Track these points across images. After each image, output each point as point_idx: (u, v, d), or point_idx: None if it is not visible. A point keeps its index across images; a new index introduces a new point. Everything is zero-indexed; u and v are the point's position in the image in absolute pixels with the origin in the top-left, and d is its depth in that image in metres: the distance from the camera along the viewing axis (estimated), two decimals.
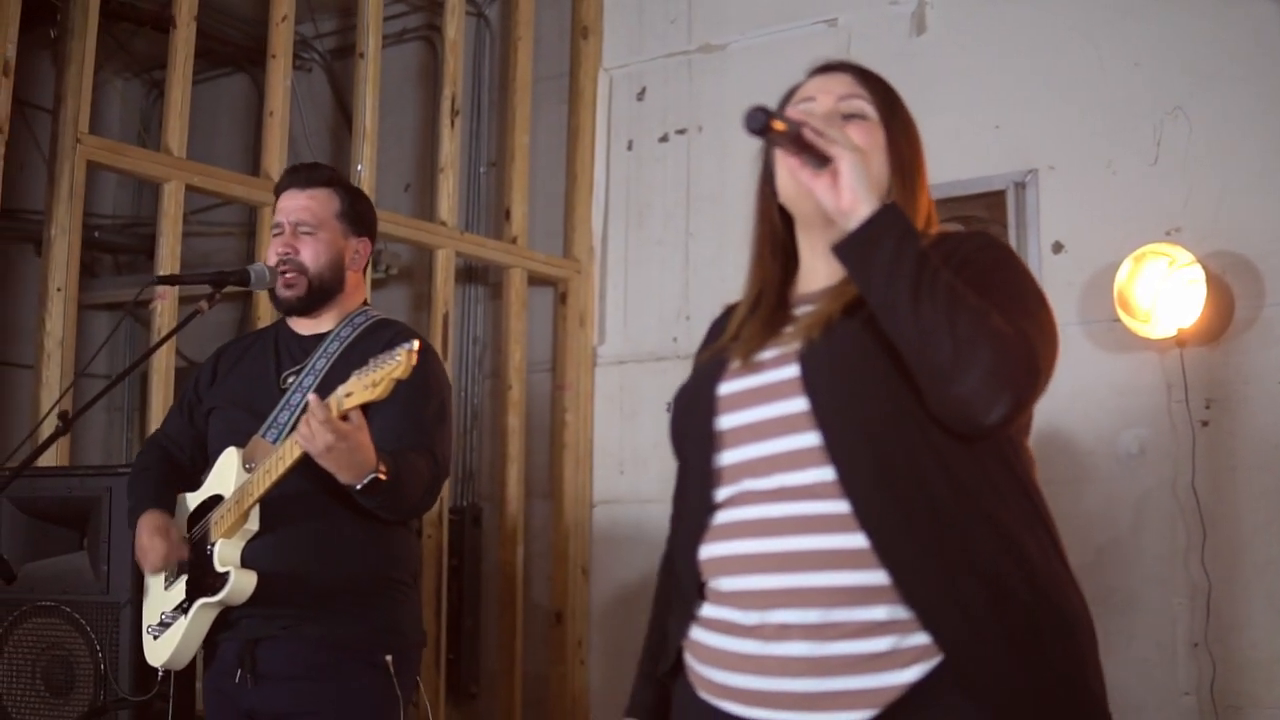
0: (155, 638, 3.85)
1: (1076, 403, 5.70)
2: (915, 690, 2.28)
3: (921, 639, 2.28)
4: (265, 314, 5.82)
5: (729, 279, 6.68)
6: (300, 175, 4.11)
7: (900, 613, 2.29)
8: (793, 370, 2.43)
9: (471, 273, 7.29)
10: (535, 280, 7.06)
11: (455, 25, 6.78)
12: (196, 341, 6.75)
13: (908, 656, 2.29)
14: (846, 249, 2.35)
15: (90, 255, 8.23)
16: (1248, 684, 5.29)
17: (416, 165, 7.67)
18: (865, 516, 2.31)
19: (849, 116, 2.60)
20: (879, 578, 2.29)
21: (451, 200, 6.65)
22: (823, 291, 2.53)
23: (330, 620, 3.74)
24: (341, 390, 3.33)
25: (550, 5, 7.30)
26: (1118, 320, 5.53)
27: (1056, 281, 5.80)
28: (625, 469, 6.90)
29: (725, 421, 2.50)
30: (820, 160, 2.36)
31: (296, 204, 4.03)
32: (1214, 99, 5.61)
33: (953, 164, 5.87)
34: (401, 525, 3.96)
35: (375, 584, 3.85)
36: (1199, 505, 5.39)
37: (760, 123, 2.31)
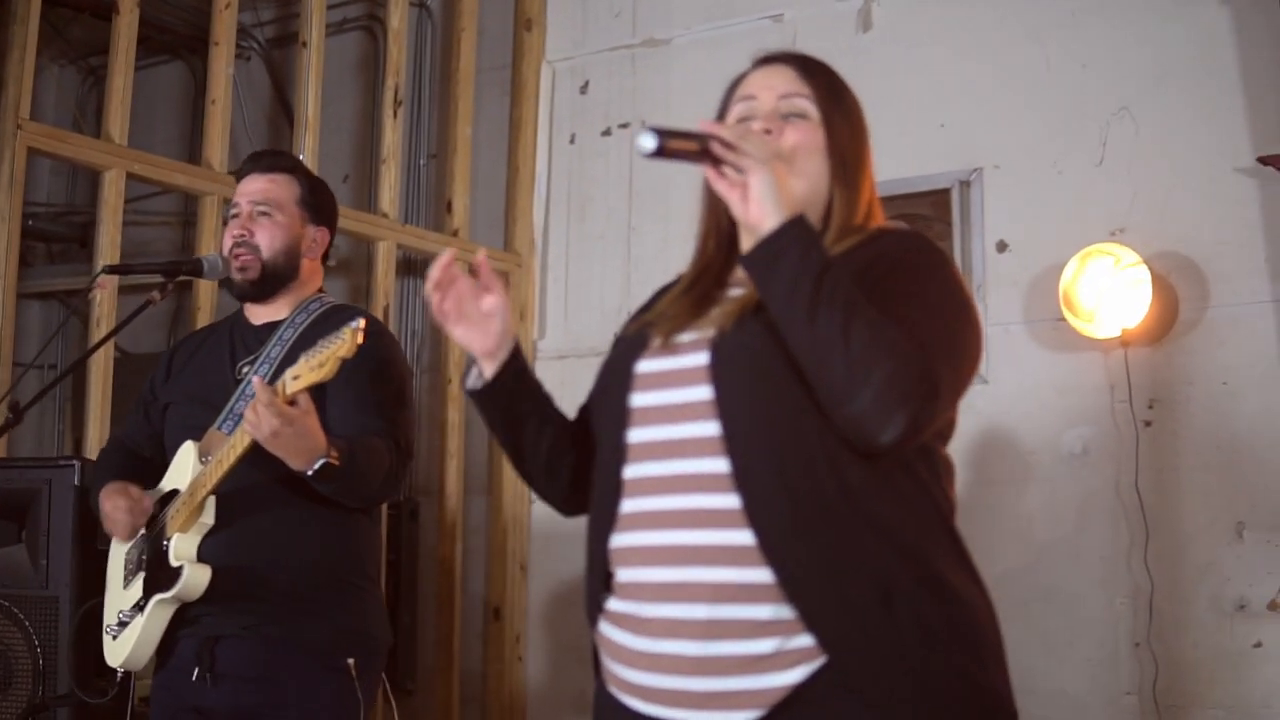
0: (114, 637, 3.77)
1: (1019, 402, 5.71)
2: (800, 691, 2.31)
3: (806, 640, 2.31)
4: (205, 304, 5.76)
5: (672, 274, 6.61)
6: (263, 160, 4.06)
7: (785, 612, 2.31)
8: (704, 357, 2.45)
9: (410, 265, 7.23)
10: (476, 273, 6.98)
11: (399, 15, 6.73)
12: (130, 332, 6.65)
13: (792, 658, 2.31)
14: (751, 261, 2.37)
15: (24, 244, 8.13)
16: (1190, 684, 5.31)
17: (355, 156, 7.60)
18: (754, 513, 2.33)
19: (788, 115, 2.62)
20: (764, 575, 2.32)
21: (393, 192, 6.61)
22: None
23: (292, 620, 3.67)
24: (289, 373, 3.28)
25: None
26: (1062, 319, 5.54)
27: (1000, 280, 5.81)
28: None
29: (637, 400, 2.53)
30: (738, 169, 2.37)
31: (256, 187, 3.98)
32: (1161, 101, 5.62)
33: (898, 162, 5.84)
34: (364, 517, 3.89)
35: (338, 582, 3.78)
36: (1142, 505, 5.41)
37: (655, 143, 2.33)
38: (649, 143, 2.33)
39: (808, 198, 2.56)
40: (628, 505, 2.51)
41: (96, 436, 5.28)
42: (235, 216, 3.96)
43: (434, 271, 2.61)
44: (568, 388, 7.01)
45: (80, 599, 4.45)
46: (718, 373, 2.41)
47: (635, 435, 2.51)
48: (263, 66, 7.95)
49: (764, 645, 2.32)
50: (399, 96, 6.70)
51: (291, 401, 3.34)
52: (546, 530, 6.93)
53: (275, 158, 4.10)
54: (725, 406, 2.39)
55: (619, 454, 2.53)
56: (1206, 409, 5.44)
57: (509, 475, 6.91)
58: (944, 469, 2.53)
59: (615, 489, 2.53)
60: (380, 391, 3.79)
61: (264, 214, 3.93)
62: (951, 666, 2.33)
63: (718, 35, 6.72)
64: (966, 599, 2.42)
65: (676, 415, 2.46)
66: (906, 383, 2.25)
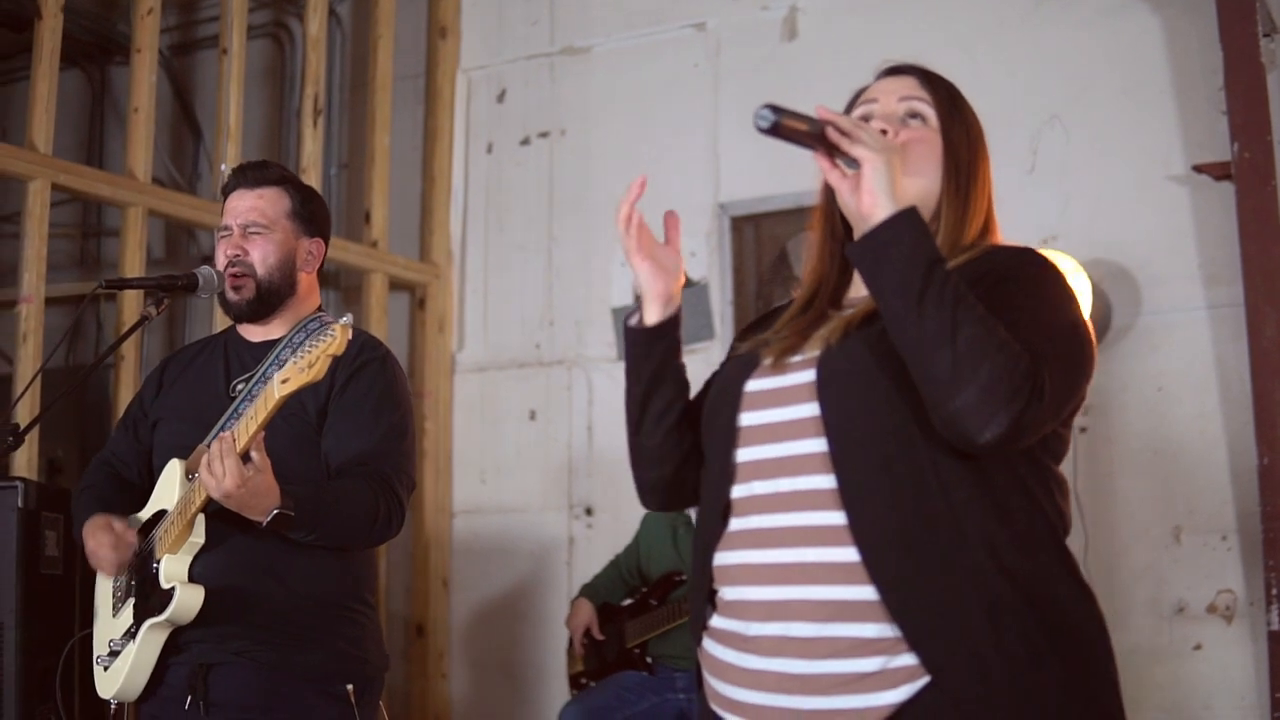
0: (105, 668, 3.61)
1: None
2: (904, 710, 2.28)
3: (909, 659, 2.28)
4: (132, 320, 5.63)
5: (593, 284, 6.67)
6: (248, 175, 3.89)
7: (889, 630, 2.28)
8: (811, 374, 2.41)
9: (323, 277, 7.10)
10: (393, 285, 6.92)
11: (318, 22, 6.63)
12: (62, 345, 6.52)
13: (897, 677, 2.28)
14: (859, 251, 2.34)
15: None
16: (1129, 687, 5.26)
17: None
18: (859, 530, 2.30)
19: (905, 117, 2.61)
20: (868, 593, 2.29)
21: None
22: (870, 295, 2.47)
23: (288, 646, 3.54)
24: (278, 377, 3.14)
25: (407, 4, 7.16)
26: None
27: None
28: (487, 478, 6.79)
29: (746, 419, 2.50)
30: (851, 161, 2.34)
31: (245, 204, 3.83)
32: (1091, 108, 5.68)
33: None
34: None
35: (336, 606, 3.64)
36: (1079, 509, 5.43)
37: (769, 121, 2.31)
38: (765, 119, 2.30)
39: (919, 198, 2.51)
40: (735, 524, 2.48)
41: (26, 456, 5.14)
42: (226, 237, 3.83)
43: (624, 206, 2.55)
44: (488, 401, 7.02)
45: (25, 625, 4.33)
46: (824, 389, 2.38)
47: (744, 454, 2.48)
48: (163, 74, 7.80)
49: (868, 664, 2.29)
50: (319, 105, 6.60)
51: (246, 457, 3.25)
52: (469, 546, 6.87)
53: (261, 170, 3.94)
54: (831, 423, 2.36)
55: (727, 473, 2.50)
56: (1142, 414, 5.49)
57: (431, 491, 6.84)
58: (1056, 485, 2.48)
59: (723, 508, 2.50)
60: (381, 422, 3.68)
61: (255, 232, 3.81)
62: (1057, 684, 2.30)
63: (639, 44, 6.70)
64: (1074, 615, 2.39)
65: (784, 433, 2.43)
66: (1012, 381, 2.21)
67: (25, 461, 5.13)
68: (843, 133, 2.34)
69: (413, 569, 6.86)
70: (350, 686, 3.57)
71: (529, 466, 6.67)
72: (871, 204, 2.31)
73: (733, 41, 6.42)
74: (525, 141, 6.96)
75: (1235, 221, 5.16)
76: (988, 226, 2.63)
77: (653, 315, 2.61)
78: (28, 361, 5.20)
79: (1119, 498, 5.48)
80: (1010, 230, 5.48)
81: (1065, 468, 5.10)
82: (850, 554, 2.30)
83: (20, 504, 4.43)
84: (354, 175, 7.15)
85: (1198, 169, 5.33)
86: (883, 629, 2.28)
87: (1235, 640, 5.28)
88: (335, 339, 3.03)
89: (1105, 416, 5.53)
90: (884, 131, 2.53)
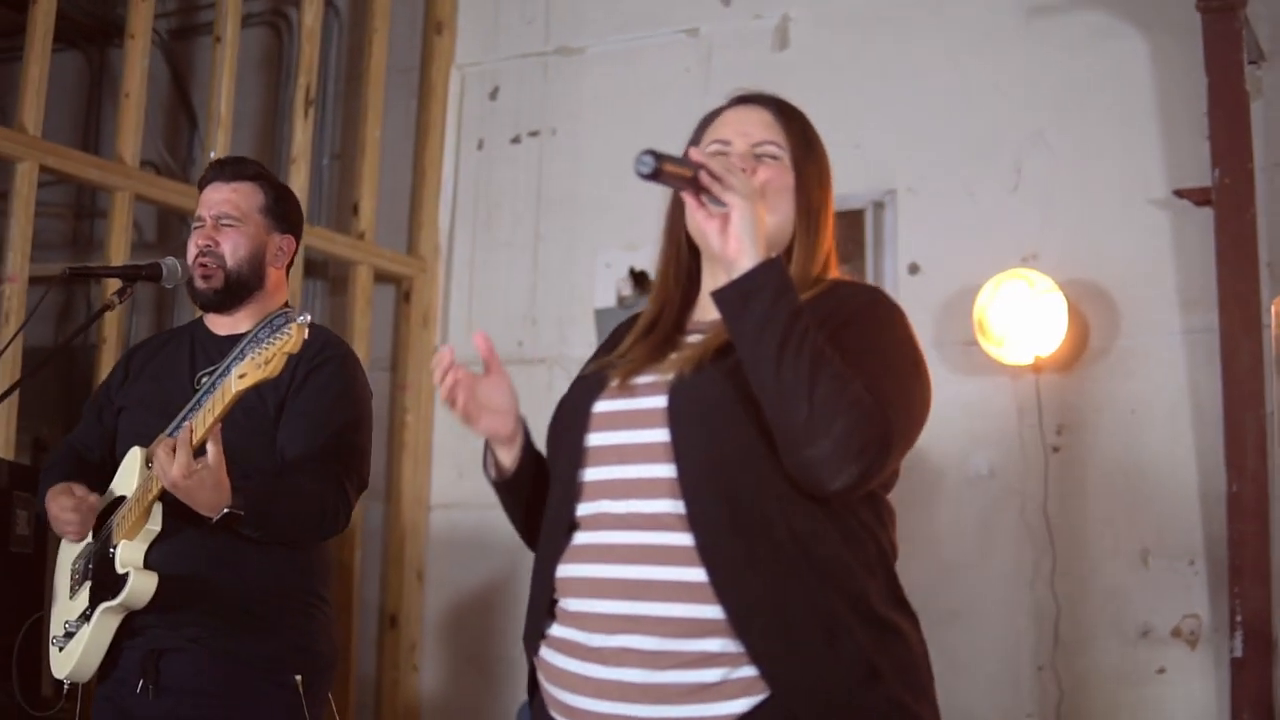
0: (60, 649, 3.68)
1: (929, 423, 5.73)
2: None
3: (750, 671, 2.37)
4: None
5: (578, 284, 6.69)
6: (225, 169, 3.98)
7: (732, 646, 2.37)
8: (661, 400, 2.49)
9: (310, 266, 7.14)
10: (379, 277, 6.94)
11: (313, 13, 6.65)
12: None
13: (737, 688, 2.37)
14: (723, 297, 2.42)
15: None
16: (1093, 708, 5.39)
17: (258, 154, 7.46)
18: (706, 552, 2.39)
19: (761, 157, 2.68)
20: (714, 611, 2.38)
21: (301, 193, 6.52)
22: (715, 322, 2.56)
23: (239, 635, 3.60)
24: (235, 371, 3.20)
25: None
26: (973, 343, 5.60)
27: (912, 303, 5.70)
28: (465, 472, 6.80)
29: (594, 439, 2.56)
30: (716, 200, 2.43)
31: (220, 197, 3.90)
32: (1076, 128, 5.70)
33: None
34: None
35: (288, 597, 3.71)
36: (1049, 529, 5.47)
37: (650, 167, 2.38)
38: (647, 165, 2.37)
39: (773, 235, 2.60)
40: (580, 538, 2.54)
41: (2, 436, 5.18)
42: (199, 228, 3.89)
43: (441, 379, 2.58)
44: None
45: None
46: (675, 416, 2.46)
47: (590, 474, 2.55)
48: (161, 59, 7.82)
49: (710, 675, 2.37)
50: (311, 95, 6.62)
51: (199, 452, 3.30)
52: (445, 538, 6.89)
53: (238, 165, 4.02)
54: (681, 450, 2.44)
55: (573, 491, 2.56)
56: (1114, 437, 5.51)
57: (408, 481, 6.87)
58: (887, 515, 2.60)
59: (568, 524, 2.56)
60: (337, 418, 3.74)
61: (228, 225, 3.86)
62: (889, 701, 2.40)
63: (632, 47, 6.72)
64: (904, 636, 2.50)
65: (632, 456, 2.50)
66: (865, 436, 2.32)
67: (3, 441, 5.16)
68: (714, 177, 2.41)
69: (387, 560, 6.88)
70: (299, 677, 3.63)
71: None
72: (738, 250, 2.40)
73: (724, 48, 6.44)
74: (516, 139, 6.98)
75: (1214, 247, 5.19)
76: (829, 260, 2.74)
77: (508, 459, 2.67)
78: (8, 342, 5.21)
79: (1089, 518, 5.50)
80: (991, 248, 5.57)
81: (1034, 486, 5.21)
82: (698, 574, 2.38)
83: None
84: (346, 166, 7.16)
85: (1178, 193, 5.35)
86: (726, 644, 2.37)
87: (1199, 665, 5.30)
88: (291, 337, 3.09)
89: (1078, 437, 5.56)
90: (742, 170, 2.58)
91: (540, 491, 2.69)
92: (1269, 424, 5.02)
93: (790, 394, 2.31)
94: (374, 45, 6.93)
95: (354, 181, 6.95)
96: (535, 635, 2.61)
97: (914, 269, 5.90)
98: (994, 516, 5.65)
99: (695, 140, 2.78)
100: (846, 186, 5.90)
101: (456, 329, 7.01)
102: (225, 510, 3.39)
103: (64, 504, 3.63)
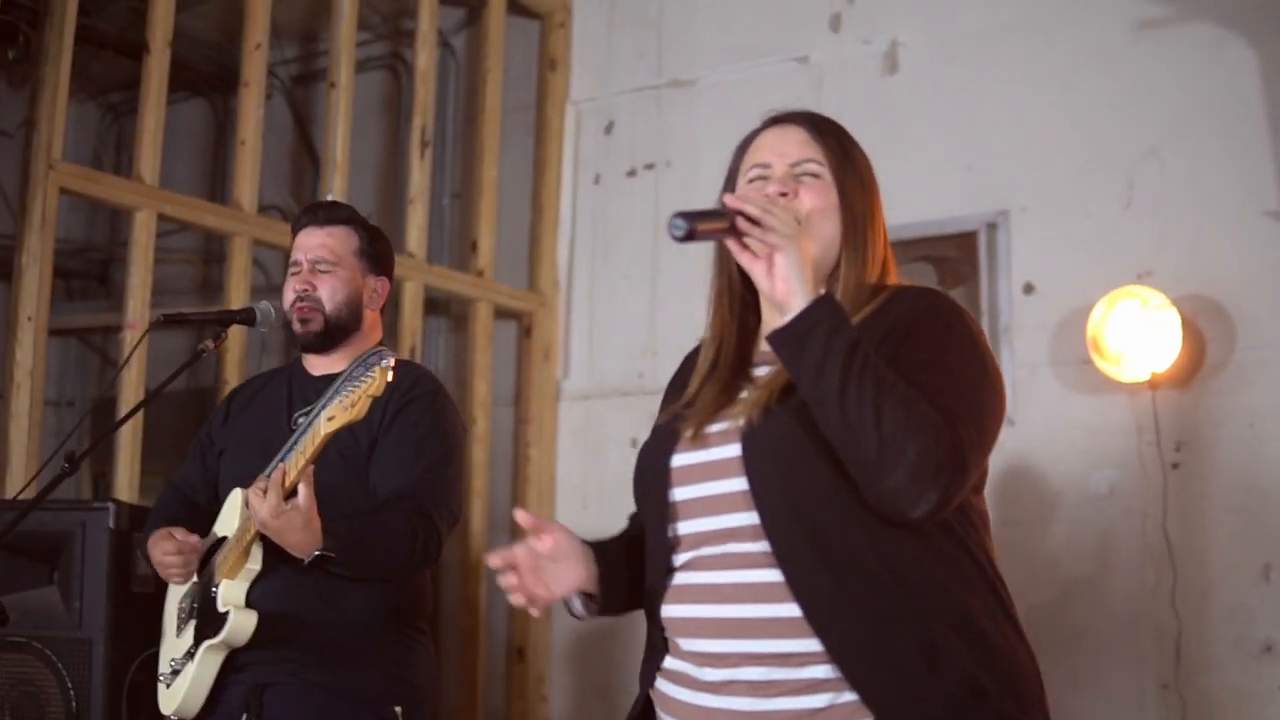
0: (167, 685, 3.78)
1: (1047, 443, 5.72)
2: None
3: (855, 695, 2.36)
4: (234, 346, 5.78)
5: (696, 314, 6.61)
6: (319, 214, 4.07)
7: (834, 673, 2.37)
8: (735, 449, 2.49)
9: (432, 304, 7.23)
10: (500, 313, 7.02)
11: (426, 55, 6.74)
12: (153, 372, 6.66)
13: (843, 713, 2.37)
14: (779, 342, 2.41)
15: None
16: None
17: (379, 195, 7.61)
18: (797, 589, 2.39)
19: (800, 177, 2.67)
20: (814, 645, 2.38)
21: (420, 232, 6.62)
22: None
23: (339, 667, 3.68)
24: (324, 414, 3.31)
25: (518, 37, 7.25)
26: (1088, 362, 5.55)
27: (1027, 323, 5.83)
28: (589, 504, 6.86)
29: (679, 494, 2.58)
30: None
31: (315, 241, 3.99)
32: (1188, 142, 5.64)
33: (924, 204, 5.89)
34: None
35: (385, 632, 3.79)
36: (1169, 546, 5.41)
37: (683, 230, 2.39)
38: (679, 228, 2.39)
39: (821, 257, 2.61)
40: (680, 578, 2.57)
41: (126, 478, 5.30)
42: (296, 273, 3.98)
43: (503, 578, 2.64)
44: (593, 428, 7.09)
45: (114, 642, 4.47)
46: (750, 465, 2.46)
47: (684, 527, 2.57)
48: (285, 105, 7.97)
49: (817, 700, 2.38)
50: (426, 136, 6.71)
51: (292, 493, 3.39)
52: None
53: (331, 210, 4.12)
54: (761, 497, 2.44)
55: (667, 544, 2.59)
56: (1234, 451, 5.45)
57: (533, 513, 6.89)
58: (979, 520, 2.58)
59: (665, 569, 2.59)
60: (427, 453, 3.81)
61: (325, 270, 3.95)
62: (997, 716, 2.38)
63: (744, 77, 6.74)
64: (1008, 651, 2.47)
65: (716, 507, 2.51)
66: (938, 458, 2.31)
67: (127, 483, 5.28)
68: (752, 220, 2.40)
69: None
70: (399, 709, 3.69)
71: (630, 494, 6.70)
72: (786, 291, 2.39)
73: (834, 75, 6.45)
74: (632, 173, 7.03)
75: None
76: (886, 266, 2.72)
77: (592, 588, 2.71)
78: (130, 386, 5.34)
79: (1209, 534, 5.43)
80: (1105, 265, 5.53)
81: (1154, 504, 5.16)
82: (793, 609, 2.39)
83: (112, 525, 4.57)
84: (465, 205, 7.25)
85: None
86: (829, 670, 2.37)
87: None
88: (375, 380, 3.19)
89: (1197, 453, 5.50)
90: (784, 194, 2.58)
91: (633, 560, 2.73)
92: None
93: (857, 429, 2.31)
94: (488, 84, 7.01)
95: (473, 220, 7.03)
96: (651, 668, 2.64)
97: (1029, 289, 5.87)
98: (1114, 535, 5.59)
99: (735, 166, 2.81)
100: (959, 208, 5.99)
101: (578, 363, 7.07)
102: (316, 553, 3.46)
103: (166, 548, 3.73)
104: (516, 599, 2.63)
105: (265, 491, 3.39)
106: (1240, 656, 5.33)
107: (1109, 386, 5.60)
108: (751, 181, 2.70)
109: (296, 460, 3.41)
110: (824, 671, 2.37)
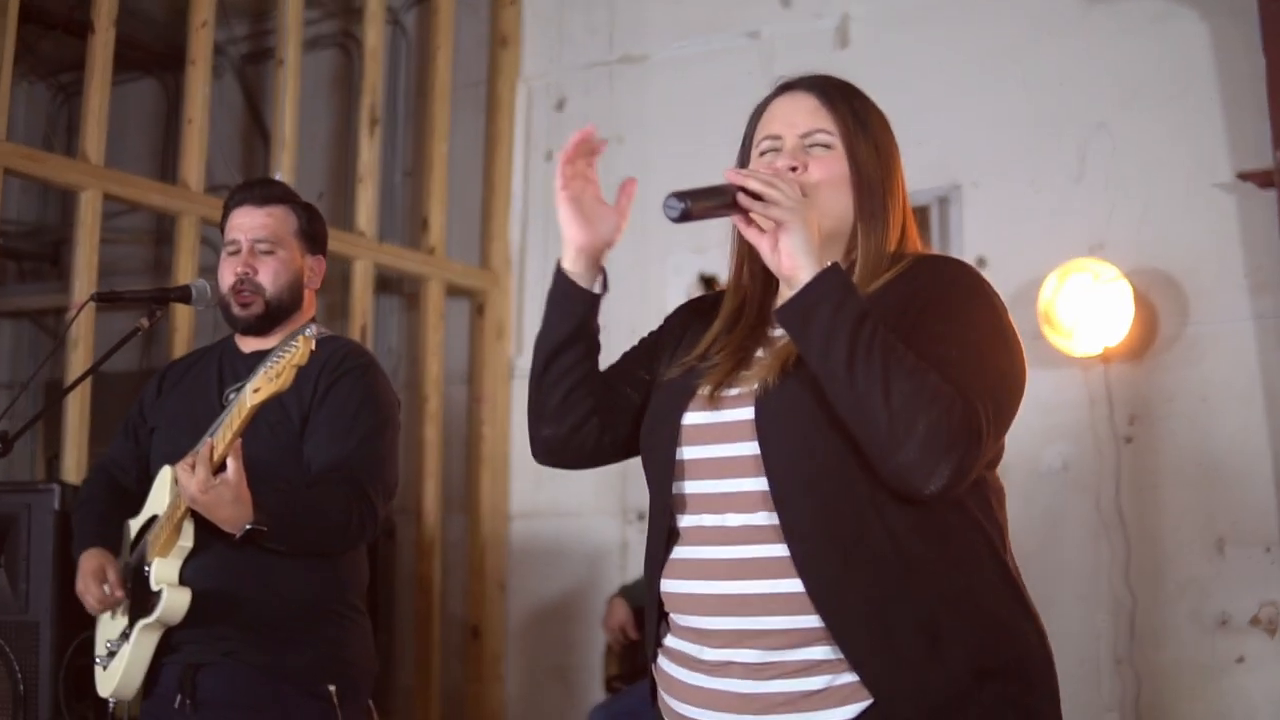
0: (104, 667, 3.75)
1: None
2: None
3: (853, 678, 2.32)
4: (182, 326, 5.77)
5: (649, 292, 6.69)
6: (256, 192, 4.00)
7: (834, 653, 2.33)
8: (749, 412, 2.44)
9: (384, 283, 7.19)
10: (452, 291, 6.99)
11: (375, 33, 6.70)
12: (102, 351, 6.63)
13: (840, 695, 2.33)
14: (785, 316, 2.36)
15: None
16: (1172, 700, 5.32)
17: (330, 173, 7.56)
18: (801, 563, 2.34)
19: (811, 148, 2.59)
20: (814, 621, 2.34)
21: (370, 210, 6.58)
22: None
23: (273, 647, 3.63)
24: (249, 386, 3.29)
25: (468, 14, 7.21)
26: (1041, 336, 5.54)
27: None
28: (543, 483, 6.83)
29: (687, 452, 2.52)
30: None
31: (254, 222, 3.92)
32: (1139, 116, 5.64)
33: None
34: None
35: (320, 609, 3.73)
36: (1123, 521, 5.42)
37: (678, 211, 2.34)
38: (674, 209, 2.33)
39: (835, 230, 2.54)
40: (680, 552, 2.52)
41: (75, 459, 5.26)
42: (235, 253, 3.92)
43: (572, 145, 2.53)
44: None
45: (61, 624, 4.44)
46: (763, 429, 2.40)
47: (688, 487, 2.52)
48: (236, 83, 7.91)
49: (814, 682, 2.35)
50: (375, 114, 6.67)
51: (220, 468, 3.35)
52: (525, 548, 6.92)
53: (268, 188, 4.04)
54: (771, 463, 2.38)
55: (671, 505, 2.53)
56: (1187, 425, 5.45)
57: (486, 493, 6.90)
58: (994, 496, 2.52)
59: (667, 537, 2.54)
60: (360, 427, 3.76)
61: (265, 251, 3.90)
62: (999, 699, 2.34)
63: (695, 52, 6.72)
64: (1015, 630, 2.42)
65: (725, 470, 2.45)
66: (950, 431, 2.25)
67: (75, 466, 5.24)
68: (754, 195, 2.35)
69: (468, 572, 6.91)
70: (333, 688, 3.65)
71: (584, 472, 6.67)
72: (792, 266, 2.34)
73: (786, 50, 6.42)
74: None
75: (1278, 229, 5.12)
76: (906, 233, 2.64)
77: (569, 260, 2.59)
78: (77, 367, 5.29)
79: (1162, 509, 5.44)
80: (1057, 239, 5.52)
81: (1107, 479, 5.15)
82: (795, 585, 2.34)
83: (57, 507, 4.55)
84: (417, 183, 7.21)
85: (1242, 176, 5.28)
86: (828, 651, 2.33)
87: (1278, 653, 5.23)
88: (299, 349, 3.18)
89: (1149, 427, 5.50)
90: (794, 168, 2.53)
91: (584, 343, 2.65)
92: None
93: (866, 403, 2.26)
94: (438, 62, 6.97)
95: (424, 197, 7.00)
96: (654, 644, 2.61)
97: (981, 262, 5.84)
98: (1068, 510, 5.60)
99: (748, 137, 2.71)
100: (911, 182, 5.86)
101: (531, 340, 7.00)
102: (248, 526, 3.43)
103: (91, 588, 3.71)
104: (565, 167, 2.54)
105: (194, 466, 3.35)
106: (1194, 631, 5.34)
107: (1061, 361, 5.59)
108: (763, 154, 2.62)
109: (224, 434, 3.37)
110: (823, 652, 2.33)
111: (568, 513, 6.77)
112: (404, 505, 6.90)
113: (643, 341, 2.81)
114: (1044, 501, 5.63)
